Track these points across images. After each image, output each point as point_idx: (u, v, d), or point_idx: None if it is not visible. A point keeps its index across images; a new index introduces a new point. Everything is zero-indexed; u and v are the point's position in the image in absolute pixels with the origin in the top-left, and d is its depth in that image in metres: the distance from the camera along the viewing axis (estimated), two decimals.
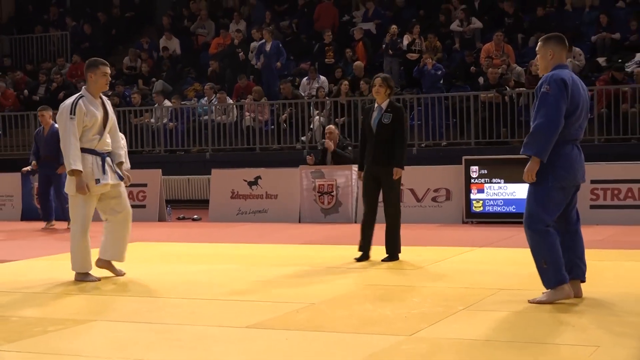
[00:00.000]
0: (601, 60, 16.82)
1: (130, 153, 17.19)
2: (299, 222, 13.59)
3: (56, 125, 13.36)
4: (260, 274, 8.05)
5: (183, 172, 16.87)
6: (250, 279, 7.75)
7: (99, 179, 7.61)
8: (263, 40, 18.83)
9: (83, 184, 7.59)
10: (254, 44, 19.46)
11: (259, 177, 14.11)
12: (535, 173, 6.08)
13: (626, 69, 15.78)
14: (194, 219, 14.67)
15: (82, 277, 7.76)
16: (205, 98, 18.40)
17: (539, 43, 6.39)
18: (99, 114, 7.72)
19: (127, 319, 6.16)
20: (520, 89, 15.95)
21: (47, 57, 23.09)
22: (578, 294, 6.34)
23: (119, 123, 19.30)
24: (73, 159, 7.54)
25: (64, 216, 13.09)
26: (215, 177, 14.75)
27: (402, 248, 8.95)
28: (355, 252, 8.81)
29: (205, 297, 6.91)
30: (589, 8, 18.50)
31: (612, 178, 12.37)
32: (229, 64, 19.69)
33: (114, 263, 8.05)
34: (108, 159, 7.77)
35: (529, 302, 6.20)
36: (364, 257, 8.72)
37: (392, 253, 8.73)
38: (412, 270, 8.17)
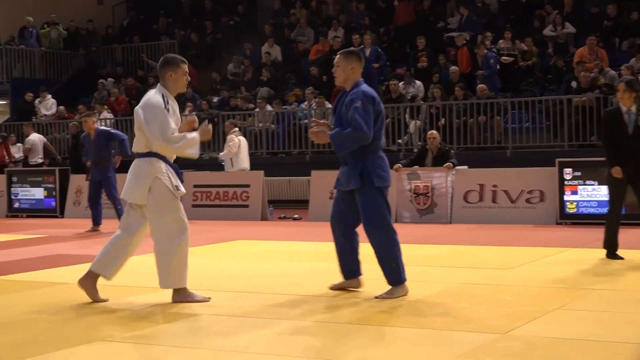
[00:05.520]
0: None
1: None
2: (395, 222, 13.74)
3: None
4: None
5: (284, 174, 17.19)
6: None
7: (177, 186, 6.59)
8: (362, 47, 19.12)
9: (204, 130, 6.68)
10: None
11: None
12: (359, 176, 6.69)
13: None
14: (294, 219, 14.91)
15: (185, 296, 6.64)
16: (305, 102, 18.83)
17: (340, 56, 6.91)
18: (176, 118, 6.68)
19: (228, 313, 6.24)
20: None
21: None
22: (360, 286, 7.04)
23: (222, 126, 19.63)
24: (190, 141, 6.58)
25: None
26: (315, 179, 14.94)
27: (496, 248, 9.29)
28: (443, 250, 9.15)
29: (297, 293, 6.97)
30: None
31: None
32: (328, 70, 20.14)
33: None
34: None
35: (376, 297, 6.63)
36: (614, 256, 8.67)
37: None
38: (506, 270, 8.16)
